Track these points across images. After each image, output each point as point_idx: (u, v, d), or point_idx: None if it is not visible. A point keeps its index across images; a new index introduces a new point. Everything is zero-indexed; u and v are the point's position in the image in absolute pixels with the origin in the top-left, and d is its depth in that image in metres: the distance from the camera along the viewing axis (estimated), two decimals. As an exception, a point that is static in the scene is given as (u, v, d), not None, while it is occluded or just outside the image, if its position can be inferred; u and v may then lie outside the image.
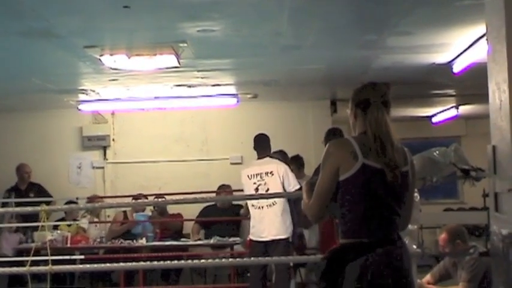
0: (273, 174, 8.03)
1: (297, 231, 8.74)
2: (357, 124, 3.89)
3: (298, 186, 7.86)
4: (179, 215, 10.88)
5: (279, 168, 8.07)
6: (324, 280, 3.71)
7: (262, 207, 7.98)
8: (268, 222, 7.98)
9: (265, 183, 8.02)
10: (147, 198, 10.28)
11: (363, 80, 4.04)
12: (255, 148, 8.32)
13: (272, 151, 8.58)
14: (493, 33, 3.96)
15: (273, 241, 7.95)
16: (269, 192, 7.95)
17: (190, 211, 10.73)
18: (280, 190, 7.94)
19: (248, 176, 8.12)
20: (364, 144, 3.70)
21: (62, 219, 10.60)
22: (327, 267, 3.71)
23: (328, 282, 3.70)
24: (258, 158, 8.26)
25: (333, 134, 8.16)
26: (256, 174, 8.07)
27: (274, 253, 7.81)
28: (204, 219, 10.64)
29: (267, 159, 8.19)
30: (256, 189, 8.00)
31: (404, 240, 3.82)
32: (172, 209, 10.97)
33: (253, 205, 8.07)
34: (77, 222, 10.31)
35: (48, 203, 9.58)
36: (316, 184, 3.79)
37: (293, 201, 8.07)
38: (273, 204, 7.95)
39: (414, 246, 5.29)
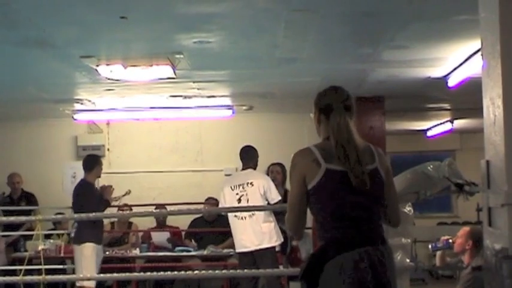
0: (253, 185, 8.08)
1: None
2: (320, 129, 3.96)
3: (278, 199, 8.02)
4: (177, 228, 10.90)
5: (260, 180, 8.13)
6: (305, 280, 3.72)
7: (245, 217, 8.02)
8: (251, 232, 8.02)
9: (246, 194, 8.08)
10: (131, 209, 10.21)
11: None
12: (241, 159, 8.36)
13: (270, 163, 8.61)
14: (487, 49, 3.98)
15: (258, 251, 7.97)
16: (249, 203, 7.99)
17: (184, 222, 10.74)
18: (260, 200, 7.99)
19: (231, 187, 8.18)
20: (324, 150, 3.74)
21: (53, 230, 10.60)
22: (307, 267, 3.72)
23: (308, 281, 3.71)
24: (242, 169, 8.32)
25: None
26: (239, 185, 8.14)
27: (263, 263, 7.83)
28: (190, 230, 10.68)
29: (249, 170, 8.26)
30: (239, 200, 8.06)
31: (388, 245, 3.79)
32: (169, 221, 11.01)
33: (236, 216, 8.11)
34: (67, 232, 10.28)
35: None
36: (289, 199, 3.84)
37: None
38: (253, 214, 7.99)
39: (407, 260, 5.28)
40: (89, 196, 8.30)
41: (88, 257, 8.12)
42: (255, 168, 8.34)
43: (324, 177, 3.66)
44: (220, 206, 8.37)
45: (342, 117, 3.80)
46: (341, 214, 3.66)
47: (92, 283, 8.22)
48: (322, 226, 3.72)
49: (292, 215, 3.81)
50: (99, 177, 8.79)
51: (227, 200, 8.15)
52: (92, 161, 8.69)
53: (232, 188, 8.16)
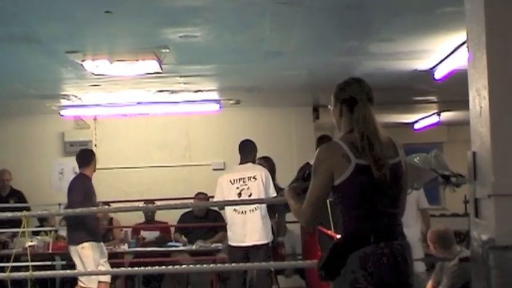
0: (256, 179, 8.03)
1: (278, 239, 8.76)
2: (342, 121, 3.87)
3: (274, 195, 7.99)
4: (166, 223, 10.89)
5: (262, 173, 8.09)
6: (324, 270, 3.71)
7: (245, 212, 7.97)
8: (250, 227, 7.97)
9: (248, 188, 8.01)
10: (109, 205, 10.18)
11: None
12: (240, 153, 8.32)
13: (257, 157, 8.58)
14: (473, 40, 3.99)
15: (254, 246, 7.95)
16: (252, 197, 7.95)
17: (173, 217, 10.73)
18: (263, 195, 7.95)
19: (231, 181, 8.09)
20: (352, 143, 3.68)
21: (39, 227, 10.56)
22: (328, 258, 3.70)
23: (327, 271, 3.70)
24: (241, 163, 8.26)
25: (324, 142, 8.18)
26: (239, 179, 8.06)
27: (256, 258, 7.80)
28: (181, 225, 10.64)
29: (250, 164, 8.20)
30: (239, 194, 7.99)
31: (407, 239, 3.79)
32: (158, 216, 11.00)
33: (235, 210, 8.04)
34: (54, 229, 10.25)
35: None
36: (308, 190, 3.78)
37: (275, 208, 8.12)
38: (256, 209, 7.95)
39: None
40: (89, 191, 8.19)
41: (89, 258, 8.01)
42: (254, 162, 8.31)
43: (353, 173, 3.63)
44: (215, 199, 8.27)
45: (368, 109, 3.77)
46: (367, 208, 3.65)
47: (94, 283, 8.15)
48: (346, 219, 3.70)
49: (311, 209, 3.76)
50: (94, 171, 8.71)
51: (226, 193, 8.09)
52: (89, 155, 8.59)
53: (232, 181, 8.09)
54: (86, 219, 8.02)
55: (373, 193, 3.65)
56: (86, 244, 8.05)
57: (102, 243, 8.43)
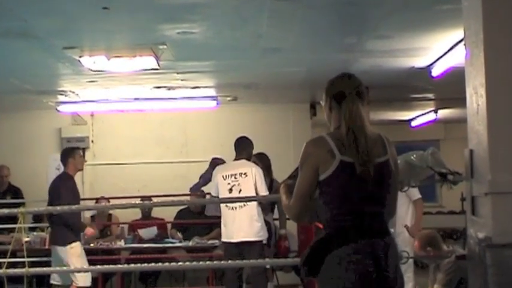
0: (246, 175, 8.04)
1: (281, 232, 8.76)
2: (332, 117, 3.84)
3: (266, 194, 8.04)
4: (162, 219, 10.88)
5: (253, 170, 8.09)
6: (306, 265, 3.70)
7: (236, 207, 7.98)
8: (239, 223, 7.97)
9: (238, 184, 8.02)
10: (109, 202, 10.17)
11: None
12: (235, 149, 8.32)
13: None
14: (470, 38, 3.98)
15: (244, 243, 7.94)
16: (242, 193, 7.96)
17: (170, 214, 10.73)
18: (253, 192, 7.96)
19: (223, 177, 8.11)
20: (339, 139, 3.67)
21: (34, 223, 10.54)
22: (309, 254, 3.70)
23: (309, 267, 3.69)
24: (235, 160, 8.27)
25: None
26: (231, 175, 8.07)
27: (249, 255, 7.80)
28: (177, 221, 10.65)
29: (243, 161, 8.20)
30: (230, 190, 8.00)
31: (392, 236, 3.78)
32: (154, 213, 10.99)
33: (227, 206, 8.06)
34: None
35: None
36: (295, 184, 3.78)
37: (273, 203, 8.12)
38: (245, 205, 7.96)
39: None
40: (65, 189, 8.09)
41: (79, 257, 7.99)
42: (248, 159, 8.31)
43: (337, 169, 3.61)
44: (211, 194, 8.28)
45: (355, 104, 3.73)
46: (349, 206, 3.63)
47: (87, 281, 8.13)
48: (328, 216, 3.69)
49: (299, 203, 3.76)
50: (81, 169, 8.67)
51: (219, 189, 8.10)
52: (65, 154, 8.47)
53: (224, 177, 8.10)
54: (74, 219, 7.99)
55: (355, 191, 3.63)
56: (74, 244, 8.04)
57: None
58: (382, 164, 3.71)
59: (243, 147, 8.29)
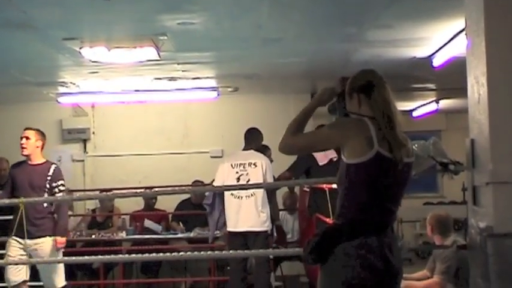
0: (256, 166, 8.02)
1: (276, 223, 8.75)
2: (362, 111, 3.70)
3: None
4: (164, 211, 10.88)
5: (263, 161, 8.07)
6: (314, 254, 3.64)
7: (242, 197, 7.96)
8: (244, 213, 7.95)
9: (247, 174, 8.00)
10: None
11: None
12: (244, 139, 8.31)
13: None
14: (472, 27, 3.97)
15: (249, 232, 7.92)
16: (250, 183, 7.94)
17: (170, 205, 10.72)
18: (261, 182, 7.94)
19: (232, 165, 8.08)
20: (379, 129, 3.57)
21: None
22: (318, 243, 3.63)
23: (317, 256, 3.63)
24: (244, 149, 8.26)
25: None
26: (240, 164, 8.05)
27: (254, 246, 7.79)
28: (178, 212, 10.66)
29: (252, 151, 8.18)
30: (238, 179, 7.98)
31: (395, 232, 3.78)
32: (156, 204, 10.99)
33: (232, 194, 8.03)
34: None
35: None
36: (314, 131, 3.77)
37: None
38: (252, 195, 7.94)
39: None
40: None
41: (61, 249, 7.61)
42: (257, 151, 8.29)
43: (372, 160, 3.52)
44: (216, 183, 8.25)
45: (387, 90, 3.70)
46: (372, 199, 3.57)
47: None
48: (346, 204, 3.62)
49: (300, 143, 3.81)
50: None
51: (226, 177, 8.10)
52: None
53: (233, 165, 8.08)
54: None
55: (381, 186, 3.57)
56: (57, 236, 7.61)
57: None
58: (410, 164, 3.69)
59: (252, 138, 8.28)
